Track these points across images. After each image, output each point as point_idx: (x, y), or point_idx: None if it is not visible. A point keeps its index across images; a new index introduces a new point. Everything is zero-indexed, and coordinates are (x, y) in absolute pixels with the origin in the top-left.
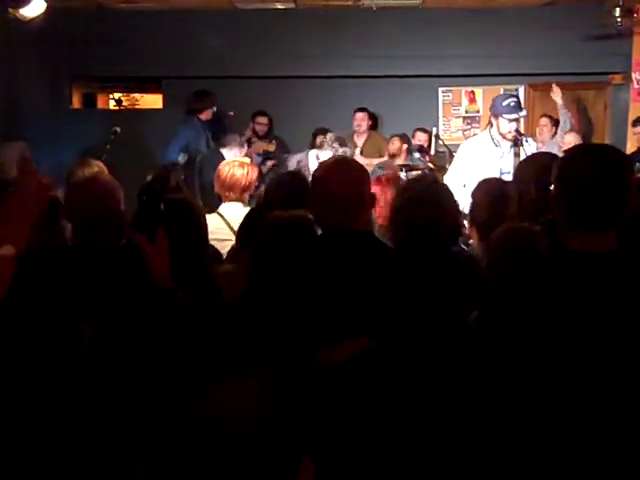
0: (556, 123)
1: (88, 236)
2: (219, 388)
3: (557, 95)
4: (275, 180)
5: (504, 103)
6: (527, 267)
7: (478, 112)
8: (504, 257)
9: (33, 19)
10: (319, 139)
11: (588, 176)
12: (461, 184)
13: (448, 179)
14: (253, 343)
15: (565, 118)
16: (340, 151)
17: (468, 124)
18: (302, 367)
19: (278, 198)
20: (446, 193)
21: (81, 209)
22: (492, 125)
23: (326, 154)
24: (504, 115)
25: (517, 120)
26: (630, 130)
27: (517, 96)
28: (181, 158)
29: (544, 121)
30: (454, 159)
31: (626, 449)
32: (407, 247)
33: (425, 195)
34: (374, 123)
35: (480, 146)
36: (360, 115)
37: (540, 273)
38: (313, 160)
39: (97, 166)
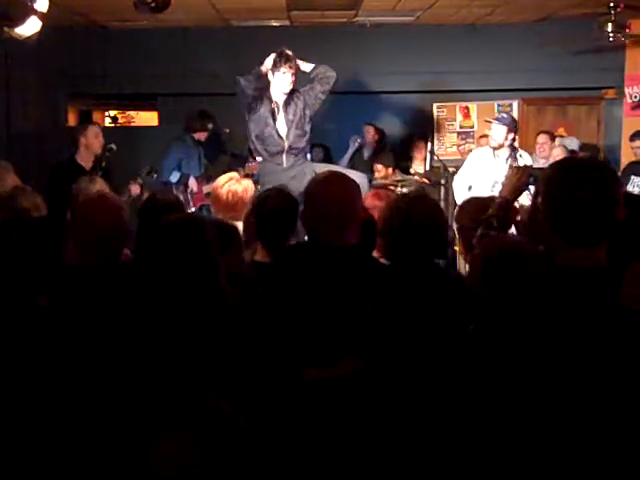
0: (553, 138)
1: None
2: (162, 441)
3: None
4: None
5: (498, 115)
6: (520, 283)
7: (472, 127)
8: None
9: (29, 38)
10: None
11: (574, 192)
12: (467, 186)
13: (457, 180)
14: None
15: (573, 146)
16: None
17: (463, 139)
18: (291, 384)
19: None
20: (434, 209)
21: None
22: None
23: (321, 167)
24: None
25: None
26: (626, 144)
27: (508, 113)
28: (174, 177)
29: (542, 138)
30: (464, 164)
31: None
32: (396, 263)
33: (412, 212)
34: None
35: (483, 156)
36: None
37: (531, 288)
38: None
39: (98, 182)
